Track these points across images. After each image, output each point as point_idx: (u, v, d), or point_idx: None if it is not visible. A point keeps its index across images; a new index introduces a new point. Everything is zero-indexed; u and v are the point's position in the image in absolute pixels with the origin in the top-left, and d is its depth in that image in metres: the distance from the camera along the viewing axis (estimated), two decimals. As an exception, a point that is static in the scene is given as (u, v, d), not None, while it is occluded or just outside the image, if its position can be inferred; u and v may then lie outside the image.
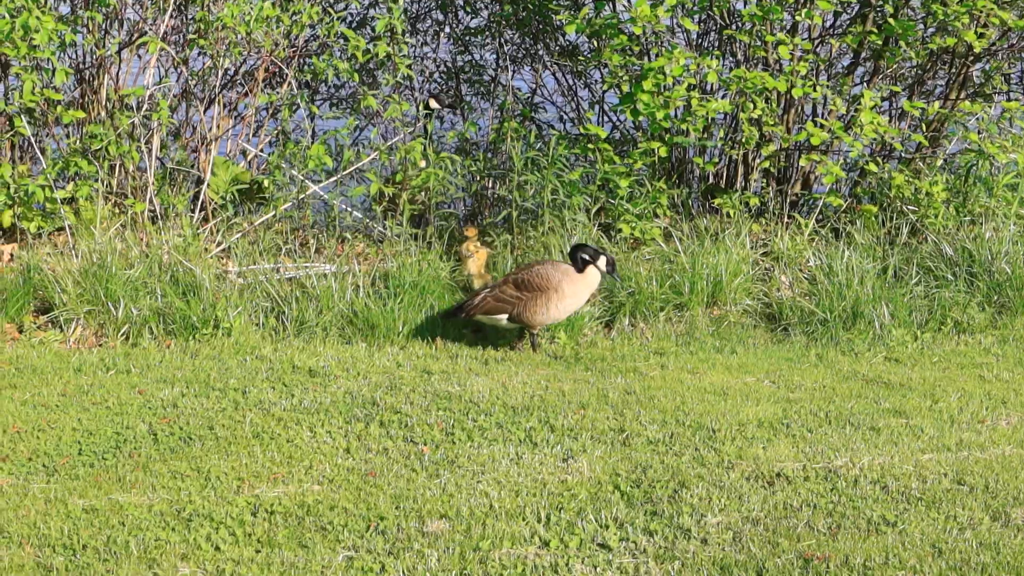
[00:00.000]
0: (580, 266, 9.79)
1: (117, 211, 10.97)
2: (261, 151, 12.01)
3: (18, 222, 10.83)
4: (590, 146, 11.36)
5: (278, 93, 11.85)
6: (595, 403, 8.70)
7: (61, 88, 11.15)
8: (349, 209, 11.37)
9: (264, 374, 9.23)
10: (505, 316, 9.80)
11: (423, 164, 11.25)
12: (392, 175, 11.51)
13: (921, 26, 12.08)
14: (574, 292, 9.76)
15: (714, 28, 12.54)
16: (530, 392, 8.89)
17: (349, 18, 13.51)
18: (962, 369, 9.70)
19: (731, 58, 12.19)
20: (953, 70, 12.37)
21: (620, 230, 11.09)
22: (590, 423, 8.32)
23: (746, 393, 9.00)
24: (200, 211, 11.15)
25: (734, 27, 11.81)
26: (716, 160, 11.93)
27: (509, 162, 11.44)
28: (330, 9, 12.12)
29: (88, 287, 10.03)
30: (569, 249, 9.94)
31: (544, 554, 6.71)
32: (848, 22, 12.19)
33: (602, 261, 9.83)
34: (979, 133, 11.64)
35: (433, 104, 11.78)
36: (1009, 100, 12.82)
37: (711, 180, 12.11)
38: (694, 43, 12.61)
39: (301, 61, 12.18)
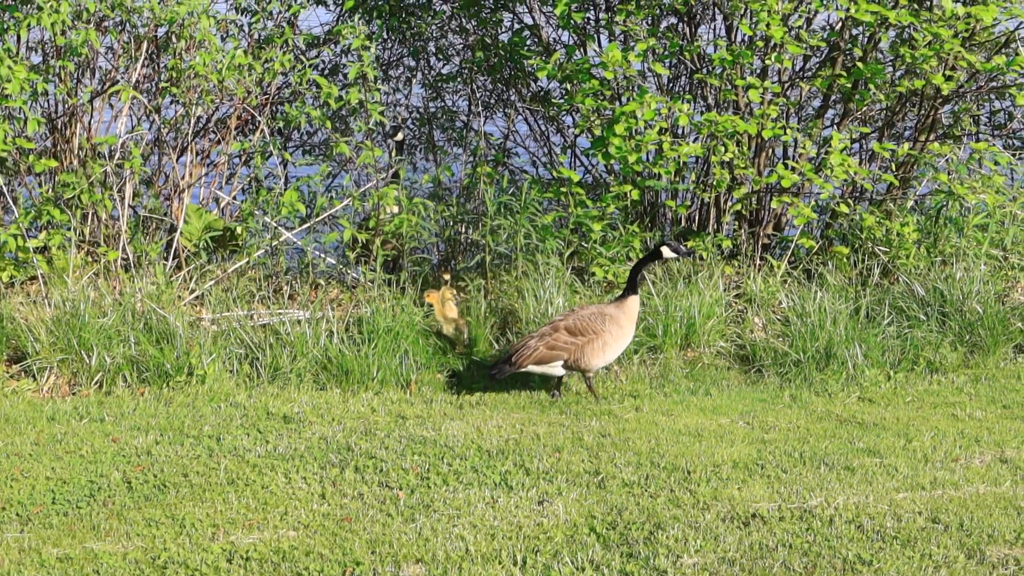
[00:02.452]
0: (626, 294, 9.80)
1: (90, 259, 10.96)
2: (234, 198, 12.03)
3: (-10, 271, 10.81)
4: (563, 190, 11.41)
5: (250, 140, 11.87)
6: (570, 446, 8.71)
7: (33, 137, 11.15)
8: (322, 255, 11.37)
9: (238, 421, 9.22)
10: (560, 363, 9.76)
11: (396, 210, 11.28)
12: (365, 221, 11.54)
13: (890, 69, 12.18)
14: (622, 330, 9.75)
15: (685, 73, 12.62)
16: (505, 436, 8.89)
17: (321, 65, 13.57)
18: (935, 408, 9.73)
19: (702, 102, 12.25)
20: (922, 112, 12.46)
21: (593, 273, 11.11)
22: (565, 466, 8.33)
23: (721, 434, 9.02)
24: (173, 259, 11.15)
25: (705, 71, 11.89)
26: (688, 203, 11.98)
27: (482, 207, 11.49)
28: (302, 57, 12.15)
29: (61, 336, 10.00)
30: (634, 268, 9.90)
31: (520, 597, 6.72)
32: (818, 65, 12.28)
33: (666, 250, 9.82)
34: (948, 174, 11.73)
35: None
36: (978, 141, 12.93)
37: (683, 223, 12.15)
38: (665, 87, 12.68)
39: (273, 108, 12.20)
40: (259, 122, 11.78)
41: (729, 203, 11.90)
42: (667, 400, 9.92)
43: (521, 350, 9.75)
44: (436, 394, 9.94)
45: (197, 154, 11.76)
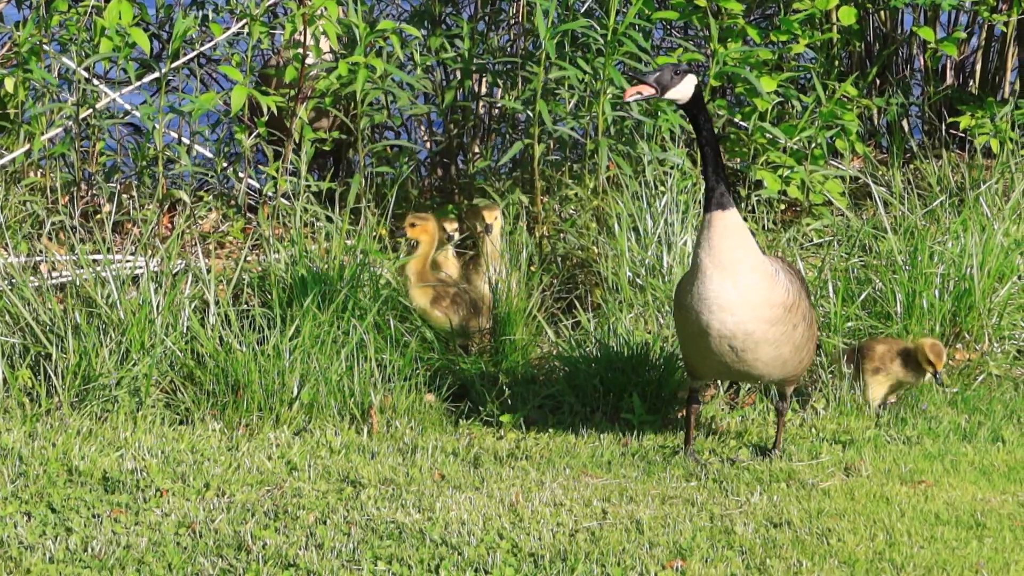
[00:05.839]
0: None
1: None
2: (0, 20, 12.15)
3: None
4: (698, 3, 11.50)
5: None
6: (706, 544, 8.77)
7: None
8: (186, 141, 11.53)
9: (8, 486, 9.32)
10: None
11: (338, 46, 11.43)
12: (275, 69, 11.68)
13: None
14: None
15: None
16: (568, 523, 8.98)
17: None
18: None
19: None
20: None
21: (760, 183, 11.30)
22: (695, 587, 8.48)
23: (1023, 523, 9.13)
24: None
25: None
26: (962, 34, 12.08)
27: (524, 39, 11.70)
28: None
29: None
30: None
31: None
32: None
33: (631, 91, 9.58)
34: None
35: None
36: None
37: (950, 79, 12.32)
38: None
39: None
40: None
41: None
42: (910, 452, 10.06)
43: None
44: (426, 435, 10.12)
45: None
